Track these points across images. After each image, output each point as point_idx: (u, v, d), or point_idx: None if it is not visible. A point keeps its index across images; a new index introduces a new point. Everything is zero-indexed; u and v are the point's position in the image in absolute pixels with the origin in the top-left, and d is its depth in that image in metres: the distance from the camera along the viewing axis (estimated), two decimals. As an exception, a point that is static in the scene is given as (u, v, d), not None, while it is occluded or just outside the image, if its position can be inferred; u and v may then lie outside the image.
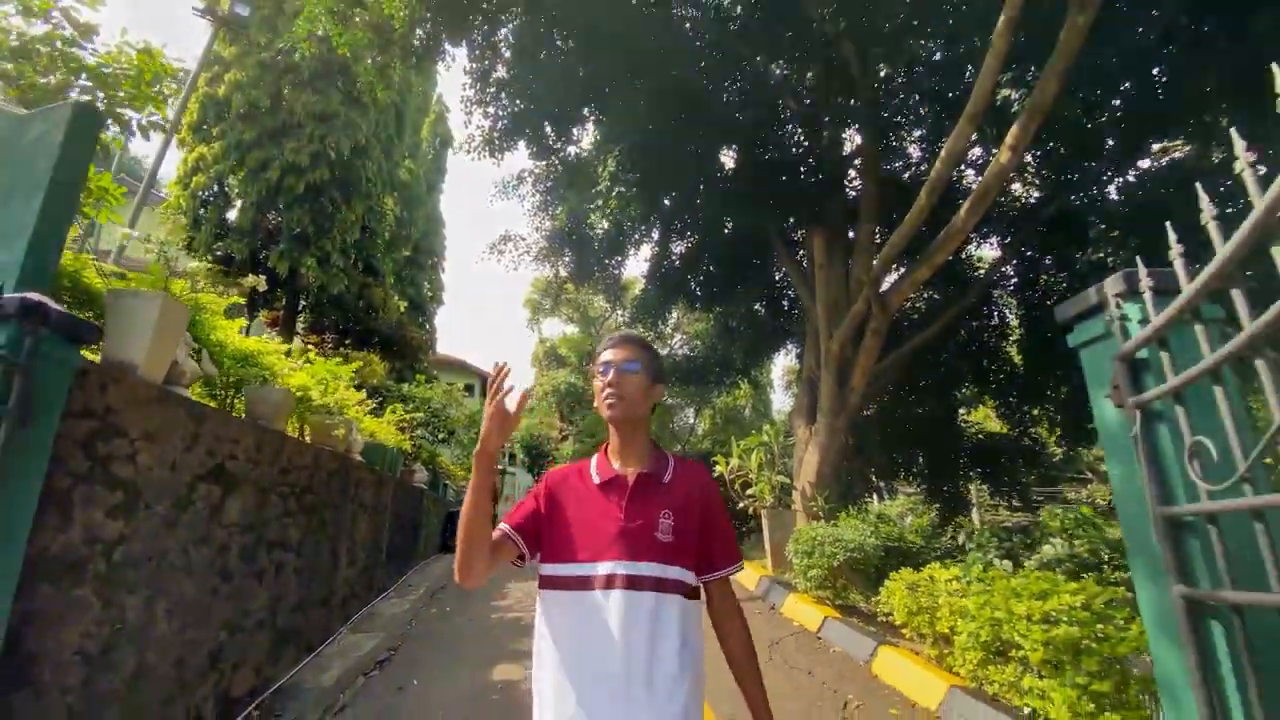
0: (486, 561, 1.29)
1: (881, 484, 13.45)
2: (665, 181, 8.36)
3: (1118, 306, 2.09)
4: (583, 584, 1.29)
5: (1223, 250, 1.27)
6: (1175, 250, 1.55)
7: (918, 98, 7.67)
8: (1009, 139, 4.55)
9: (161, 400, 3.22)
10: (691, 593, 1.34)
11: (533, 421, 33.65)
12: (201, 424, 3.57)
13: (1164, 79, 6.28)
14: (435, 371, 23.23)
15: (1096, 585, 2.94)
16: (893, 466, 11.67)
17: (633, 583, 1.26)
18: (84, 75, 3.91)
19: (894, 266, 7.78)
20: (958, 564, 3.88)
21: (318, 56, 11.35)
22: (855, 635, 4.41)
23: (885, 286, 7.01)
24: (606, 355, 1.47)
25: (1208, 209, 1.33)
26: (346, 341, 14.88)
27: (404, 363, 17.48)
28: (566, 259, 11.86)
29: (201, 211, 12.66)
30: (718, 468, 10.02)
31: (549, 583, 1.34)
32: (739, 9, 7.68)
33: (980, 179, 5.44)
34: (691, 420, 29.59)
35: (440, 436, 15.15)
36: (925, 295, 10.81)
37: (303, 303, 13.94)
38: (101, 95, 3.93)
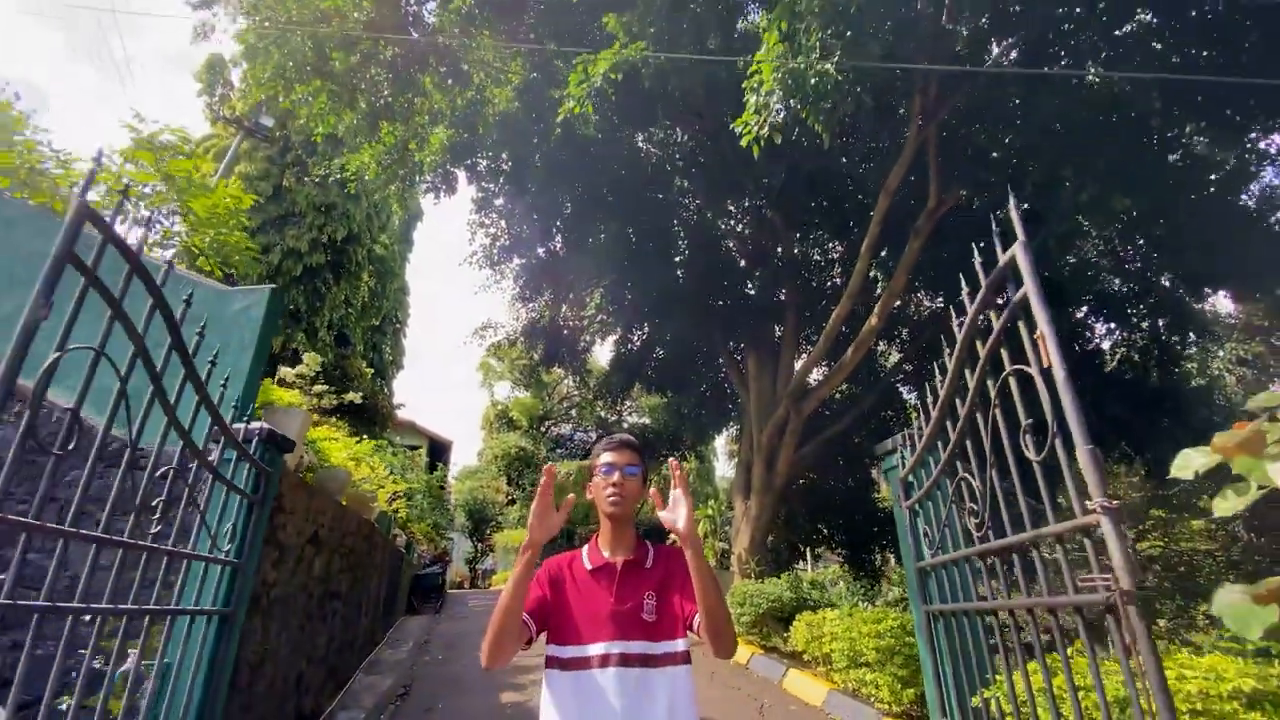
0: (513, 644, 1.46)
1: (808, 551, 15.24)
2: (631, 293, 10.32)
3: (898, 452, 4.00)
4: (582, 664, 1.47)
5: (928, 429, 3.14)
6: (916, 426, 3.44)
7: (825, 262, 10.11)
8: (876, 309, 6.72)
9: (297, 485, 4.64)
10: (681, 660, 1.52)
11: (476, 485, 33.36)
12: (310, 501, 4.97)
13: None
14: (390, 435, 23.84)
15: (904, 613, 4.69)
16: (817, 536, 13.51)
17: (624, 660, 1.46)
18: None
19: (810, 373, 9.89)
20: (838, 609, 5.61)
21: (324, 153, 13.02)
22: (772, 663, 6.01)
23: (809, 386, 9.09)
24: (610, 458, 1.65)
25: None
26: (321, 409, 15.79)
27: (371, 430, 18.38)
28: (539, 346, 13.57)
29: (201, 288, 13.71)
30: (672, 536, 11.58)
31: (553, 662, 1.51)
32: (678, 155, 9.73)
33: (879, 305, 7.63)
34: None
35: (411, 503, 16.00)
36: (843, 390, 13.05)
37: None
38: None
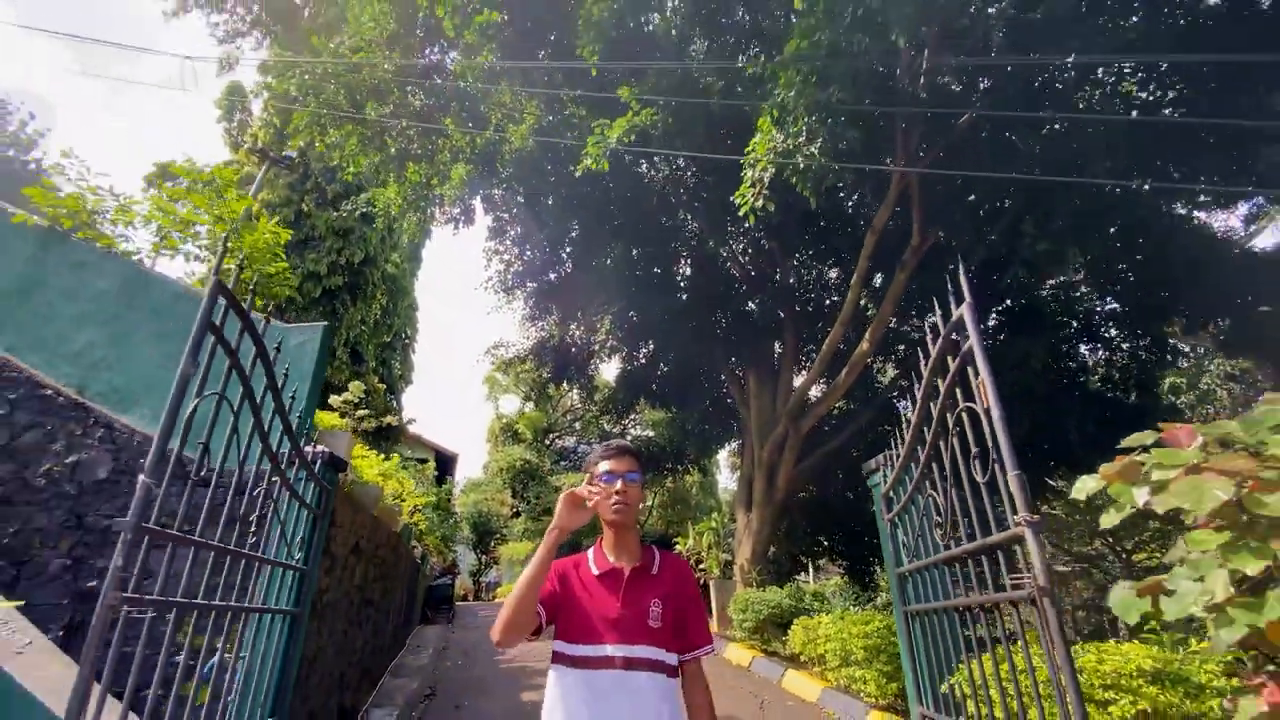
0: (529, 623, 1.52)
1: (809, 562, 15.65)
2: (636, 313, 10.89)
3: (880, 470, 4.52)
4: (587, 663, 1.52)
5: (903, 452, 3.68)
6: (880, 459, 3.97)
7: (822, 285, 10.70)
8: (868, 335, 7.27)
9: (345, 499, 5.17)
10: (673, 672, 1.58)
11: (480, 498, 33.43)
12: (353, 515, 5.49)
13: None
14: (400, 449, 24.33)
15: (889, 615, 5.17)
16: (818, 548, 13.94)
17: (629, 664, 1.50)
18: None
19: (809, 391, 10.41)
20: (831, 613, 6.10)
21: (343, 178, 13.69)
22: (772, 665, 6.47)
23: (807, 403, 9.61)
24: (610, 465, 1.67)
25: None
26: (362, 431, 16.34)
27: (383, 445, 18.91)
28: (548, 364, 14.12)
29: (226, 309, 14.34)
30: (677, 546, 12.05)
31: (559, 658, 1.56)
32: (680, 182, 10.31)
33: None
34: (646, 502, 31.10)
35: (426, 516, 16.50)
36: (840, 405, 13.55)
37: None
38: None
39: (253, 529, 3.27)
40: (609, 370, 18.11)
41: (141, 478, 2.58)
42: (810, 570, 16.11)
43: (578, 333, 13.25)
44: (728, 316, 10.35)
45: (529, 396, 33.21)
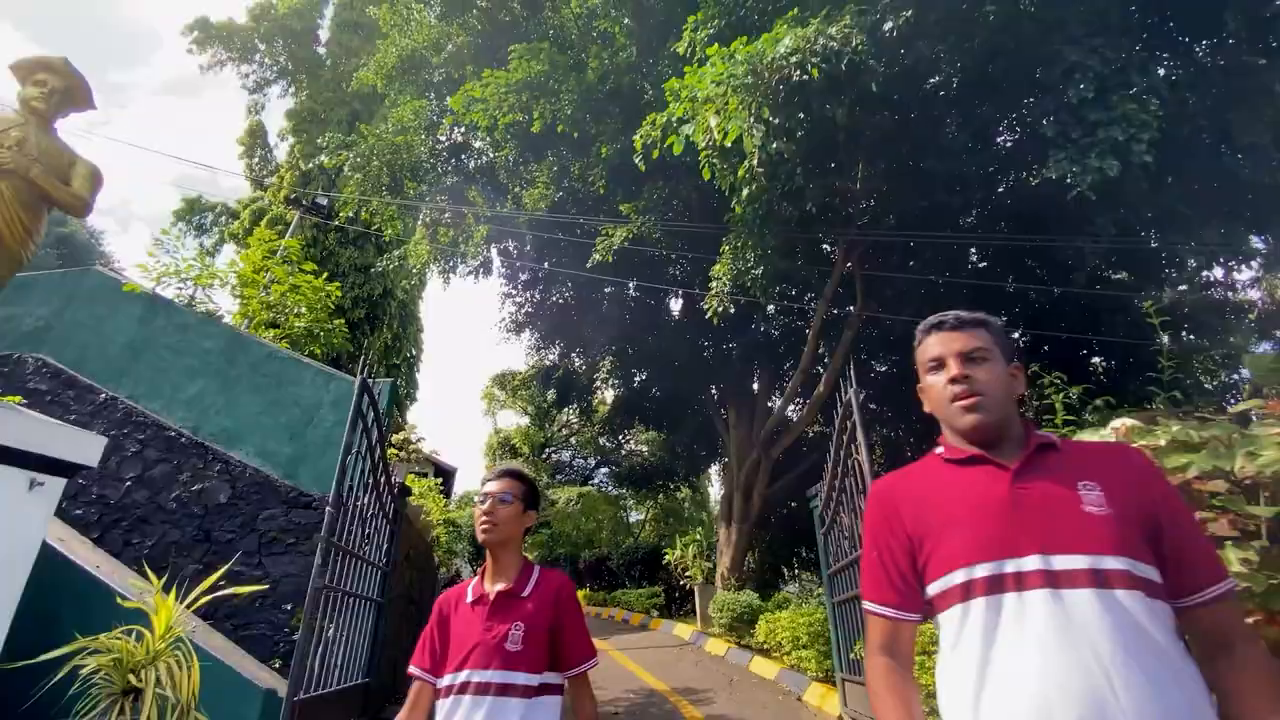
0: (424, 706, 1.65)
1: (787, 571, 17.06)
2: (630, 345, 12.38)
3: (818, 495, 5.99)
4: (448, 691, 1.58)
5: (826, 484, 5.18)
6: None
7: (791, 329, 12.30)
8: (823, 382, 8.77)
9: (405, 517, 6.56)
10: (538, 692, 1.58)
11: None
12: (408, 528, 6.88)
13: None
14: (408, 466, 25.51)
15: None
16: (796, 560, 15.36)
17: (480, 689, 1.54)
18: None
19: (779, 421, 11.89)
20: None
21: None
22: (743, 653, 7.85)
23: (778, 430, 11.11)
24: (488, 486, 1.75)
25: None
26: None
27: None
28: (552, 390, 15.56)
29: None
30: (667, 555, 13.44)
31: (439, 693, 1.62)
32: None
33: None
34: (636, 516, 32.37)
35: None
36: (809, 433, 15.02)
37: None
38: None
39: (366, 540, 4.73)
40: (608, 392, 19.54)
41: (327, 508, 4.07)
42: (787, 578, 17.49)
43: (580, 362, 14.68)
44: (711, 354, 11.86)
45: (526, 411, 34.38)
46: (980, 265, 8.45)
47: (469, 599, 1.70)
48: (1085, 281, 6.71)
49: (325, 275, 16.41)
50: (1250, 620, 1.72)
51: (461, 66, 9.14)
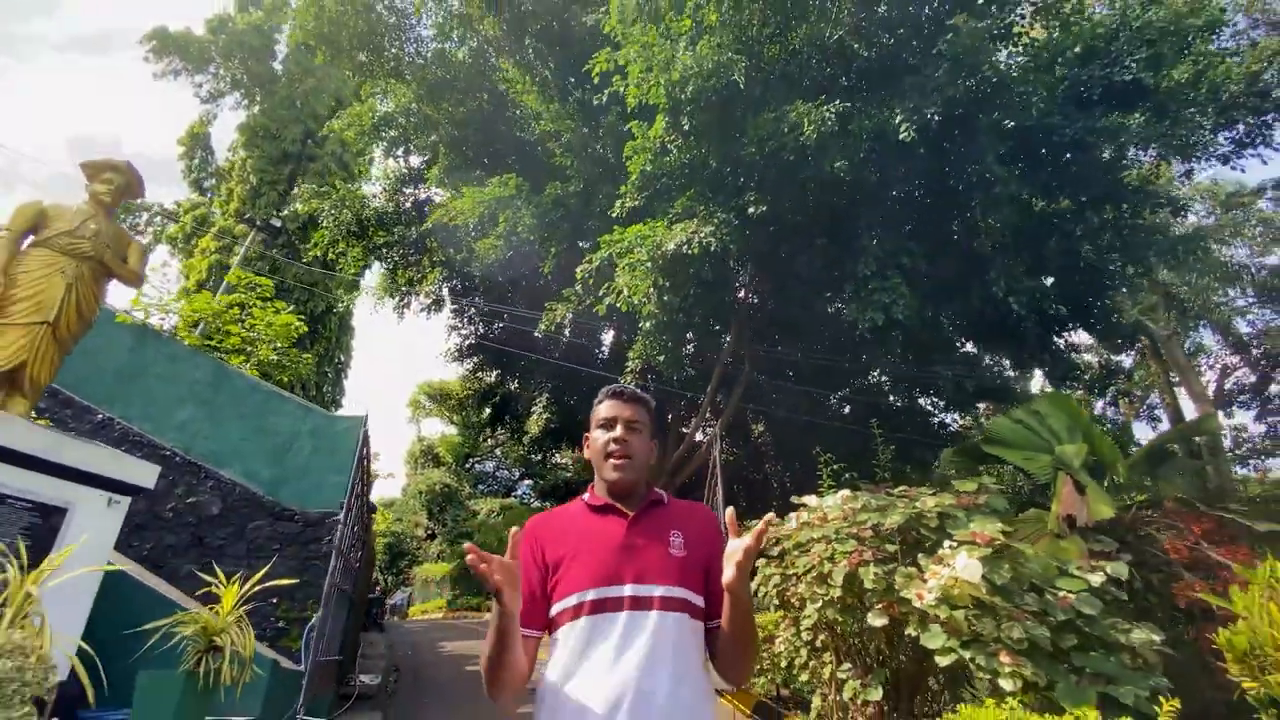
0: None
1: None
2: (564, 379, 14.13)
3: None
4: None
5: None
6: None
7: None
8: (719, 423, 10.92)
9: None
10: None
11: (392, 521, 32.81)
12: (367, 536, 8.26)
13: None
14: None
15: None
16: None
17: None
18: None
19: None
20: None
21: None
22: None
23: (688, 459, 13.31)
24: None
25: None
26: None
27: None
28: (487, 411, 16.94)
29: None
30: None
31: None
32: None
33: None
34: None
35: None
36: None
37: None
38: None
39: (351, 548, 6.25)
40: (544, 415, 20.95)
41: (339, 522, 5.66)
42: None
43: (514, 385, 16.19)
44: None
45: (453, 421, 34.03)
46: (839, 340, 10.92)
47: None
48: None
49: (274, 285, 17.09)
50: (879, 606, 3.58)
51: (434, 149, 10.65)
